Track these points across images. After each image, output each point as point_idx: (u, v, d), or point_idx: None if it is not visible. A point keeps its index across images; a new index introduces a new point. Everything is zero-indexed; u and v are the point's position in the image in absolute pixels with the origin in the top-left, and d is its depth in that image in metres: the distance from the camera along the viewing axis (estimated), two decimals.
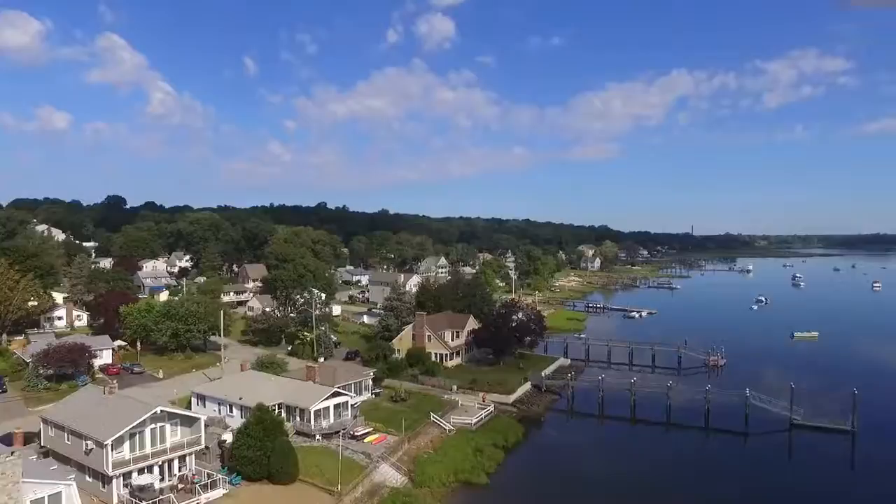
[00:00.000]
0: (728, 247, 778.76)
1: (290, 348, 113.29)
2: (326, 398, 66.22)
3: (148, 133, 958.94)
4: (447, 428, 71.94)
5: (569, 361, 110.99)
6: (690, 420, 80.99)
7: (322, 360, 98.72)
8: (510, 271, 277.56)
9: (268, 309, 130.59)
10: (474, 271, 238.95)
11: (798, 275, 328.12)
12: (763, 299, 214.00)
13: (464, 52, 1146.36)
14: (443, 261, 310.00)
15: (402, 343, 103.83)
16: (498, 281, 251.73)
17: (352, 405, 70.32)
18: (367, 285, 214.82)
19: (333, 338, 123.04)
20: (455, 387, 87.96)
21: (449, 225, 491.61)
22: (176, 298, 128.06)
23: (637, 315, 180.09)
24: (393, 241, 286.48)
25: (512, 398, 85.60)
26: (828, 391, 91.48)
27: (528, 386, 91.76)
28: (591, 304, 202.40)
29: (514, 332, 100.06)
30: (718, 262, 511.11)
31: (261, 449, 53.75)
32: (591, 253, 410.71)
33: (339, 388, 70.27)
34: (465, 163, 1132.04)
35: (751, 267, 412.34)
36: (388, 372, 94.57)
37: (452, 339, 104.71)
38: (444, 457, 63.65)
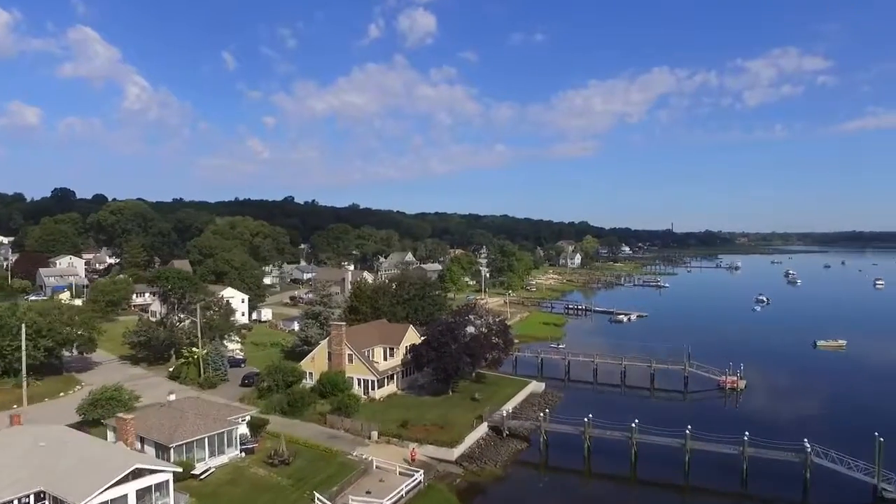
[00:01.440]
0: (709, 244, 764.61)
1: (171, 369, 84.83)
2: (116, 483, 38.12)
3: (123, 129, 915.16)
4: None
5: (542, 387, 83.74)
6: (721, 483, 54.54)
7: (214, 385, 70.32)
8: (481, 268, 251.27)
9: (155, 317, 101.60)
10: (439, 268, 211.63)
11: (791, 272, 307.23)
12: (764, 299, 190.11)
13: (446, 48, 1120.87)
14: (410, 256, 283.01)
15: (316, 364, 75.84)
16: (467, 279, 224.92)
17: (173, 489, 42.27)
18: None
19: (240, 354, 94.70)
20: (376, 433, 60.38)
21: (422, 220, 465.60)
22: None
23: (625, 319, 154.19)
24: (353, 236, 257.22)
25: (457, 452, 58.16)
26: None
27: (483, 429, 64.45)
28: (571, 306, 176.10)
29: (467, 349, 72.61)
30: (703, 258, 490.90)
31: None
32: (571, 248, 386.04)
33: (177, 446, 42.50)
34: (445, 160, 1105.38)
35: (739, 264, 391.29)
36: (288, 409, 66.71)
37: (385, 359, 77.06)
38: None
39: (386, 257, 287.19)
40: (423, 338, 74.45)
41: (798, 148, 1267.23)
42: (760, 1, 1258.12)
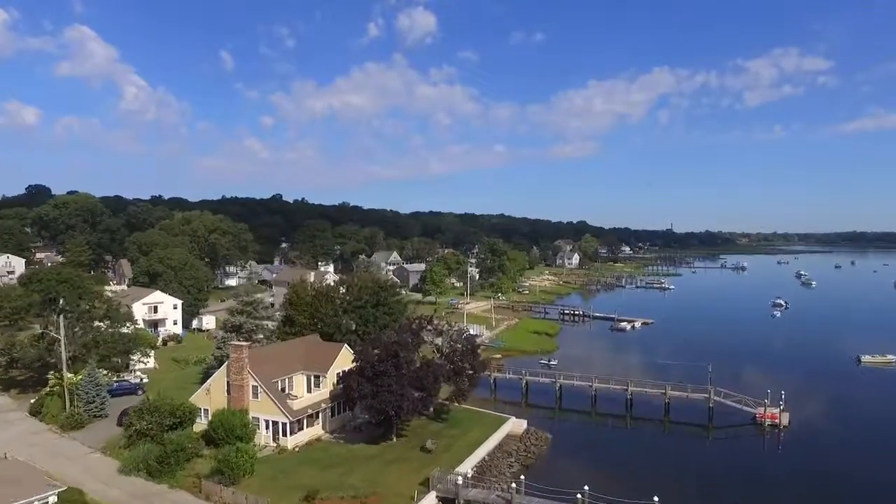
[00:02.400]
0: (711, 244, 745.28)
1: (32, 401, 64.52)
2: None
3: (121, 129, 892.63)
4: None
5: (524, 425, 63.21)
6: None
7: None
8: (470, 268, 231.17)
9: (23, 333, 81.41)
10: (422, 268, 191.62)
11: (803, 273, 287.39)
12: (782, 303, 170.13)
13: (445, 47, 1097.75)
14: (395, 256, 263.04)
15: (212, 399, 55.51)
16: (453, 280, 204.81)
17: None
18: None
19: (137, 378, 74.45)
20: None
21: (416, 220, 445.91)
22: None
23: (628, 326, 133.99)
24: (332, 234, 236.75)
25: None
26: None
27: (430, 502, 44.20)
28: (566, 311, 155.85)
29: (415, 380, 52.33)
30: (705, 259, 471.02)
31: None
32: (569, 248, 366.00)
33: None
34: (444, 160, 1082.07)
35: (745, 264, 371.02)
36: (157, 466, 46.51)
37: (309, 390, 56.88)
38: None
39: (370, 257, 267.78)
40: (354, 363, 54.01)
41: (798, 148, 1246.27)
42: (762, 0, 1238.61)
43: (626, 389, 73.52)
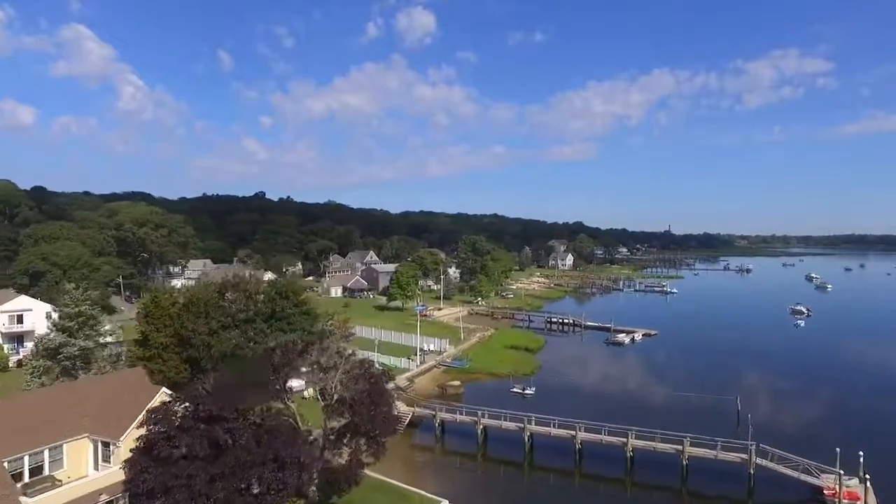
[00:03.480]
0: (709, 245, 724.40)
1: None
2: None
3: (118, 128, 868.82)
4: None
5: None
6: None
7: None
8: (451, 269, 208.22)
9: None
10: (391, 269, 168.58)
11: (815, 275, 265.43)
12: (803, 310, 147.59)
13: (444, 47, 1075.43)
14: (372, 255, 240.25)
15: None
16: (430, 283, 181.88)
17: None
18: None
19: None
20: None
21: (404, 219, 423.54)
22: None
23: (627, 339, 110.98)
24: (296, 231, 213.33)
25: None
26: None
27: None
28: (554, 319, 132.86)
29: (256, 462, 29.22)
30: (707, 260, 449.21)
31: None
32: (562, 248, 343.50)
33: None
34: (443, 161, 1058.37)
35: (750, 266, 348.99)
36: None
37: (96, 466, 33.63)
38: None
39: (345, 256, 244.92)
40: (152, 427, 30.75)
41: (797, 150, 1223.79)
42: (763, 1, 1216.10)
43: (626, 443, 50.54)
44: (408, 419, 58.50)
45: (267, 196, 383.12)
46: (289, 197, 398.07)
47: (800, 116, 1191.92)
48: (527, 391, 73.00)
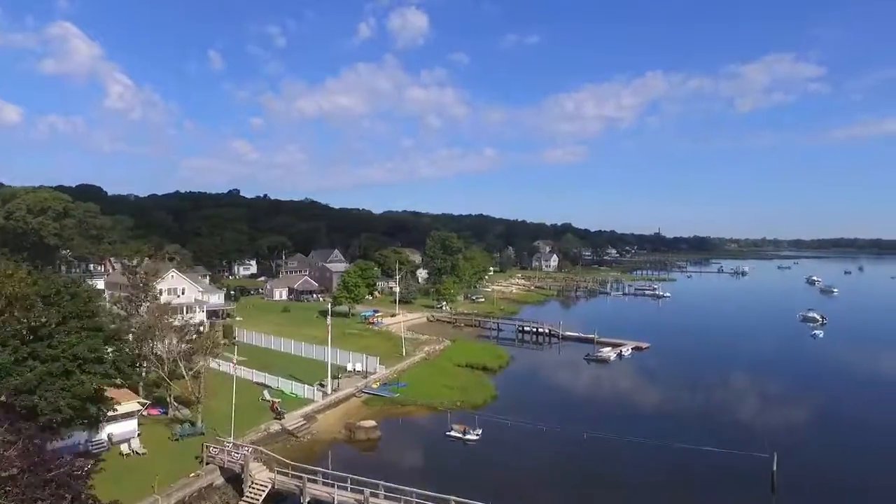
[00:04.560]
0: (700, 248, 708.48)
1: None
2: None
3: (106, 127, 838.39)
4: None
5: None
6: None
7: None
8: (418, 269, 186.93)
9: None
10: (341, 269, 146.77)
11: (817, 279, 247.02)
12: (817, 317, 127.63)
13: (437, 48, 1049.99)
14: (336, 254, 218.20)
15: None
16: (392, 285, 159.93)
17: None
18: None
19: None
20: None
21: (384, 219, 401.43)
22: None
23: (613, 354, 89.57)
24: (245, 227, 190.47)
25: None
26: None
27: None
28: (527, 328, 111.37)
29: None
30: (699, 263, 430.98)
31: None
32: (547, 249, 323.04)
33: None
34: (434, 163, 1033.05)
35: (747, 269, 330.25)
36: None
37: None
38: None
39: (307, 255, 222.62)
40: None
41: (787, 155, 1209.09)
42: (757, 5, 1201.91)
43: None
44: (262, 497, 36.93)
45: (241, 194, 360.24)
46: (265, 195, 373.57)
47: (791, 121, 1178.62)
48: (468, 435, 51.57)
